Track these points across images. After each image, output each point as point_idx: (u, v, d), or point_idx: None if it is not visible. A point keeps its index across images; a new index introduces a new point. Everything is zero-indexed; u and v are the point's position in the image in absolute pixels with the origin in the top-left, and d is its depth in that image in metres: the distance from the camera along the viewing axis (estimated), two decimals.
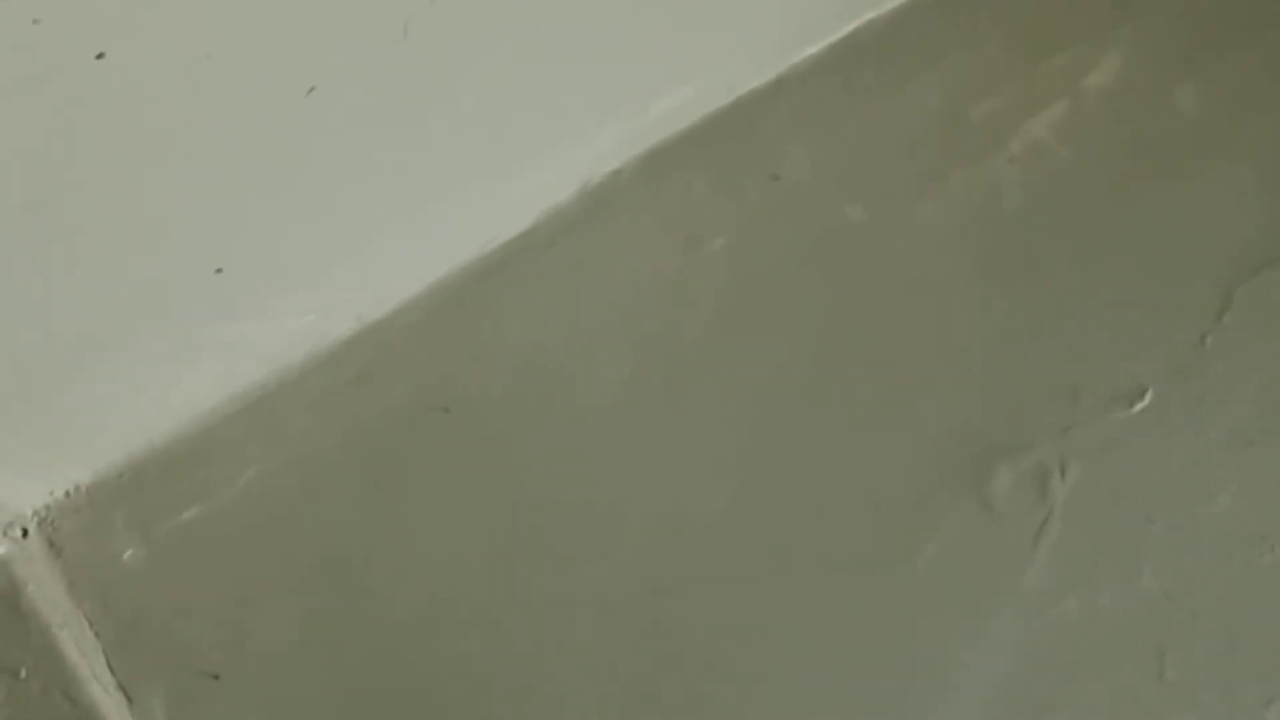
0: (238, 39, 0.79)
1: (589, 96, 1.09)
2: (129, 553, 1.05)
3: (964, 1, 1.20)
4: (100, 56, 0.72)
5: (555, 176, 1.15)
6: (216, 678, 1.03)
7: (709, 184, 1.17)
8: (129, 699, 1.02)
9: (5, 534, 1.03)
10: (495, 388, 1.11)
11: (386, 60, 0.88)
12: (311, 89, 0.85)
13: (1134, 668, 1.04)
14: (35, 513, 1.05)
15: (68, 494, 1.06)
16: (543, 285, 1.14)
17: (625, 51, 1.08)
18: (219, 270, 0.96)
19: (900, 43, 1.19)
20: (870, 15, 1.19)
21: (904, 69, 1.19)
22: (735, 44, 1.16)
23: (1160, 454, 1.08)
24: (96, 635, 1.03)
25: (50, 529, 1.05)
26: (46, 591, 1.02)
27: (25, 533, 1.04)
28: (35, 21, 0.68)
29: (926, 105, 1.18)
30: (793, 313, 1.14)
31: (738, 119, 1.18)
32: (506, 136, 1.06)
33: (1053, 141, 1.16)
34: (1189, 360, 1.10)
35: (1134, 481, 1.07)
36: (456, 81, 0.96)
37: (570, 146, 1.13)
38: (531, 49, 0.99)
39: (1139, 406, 1.09)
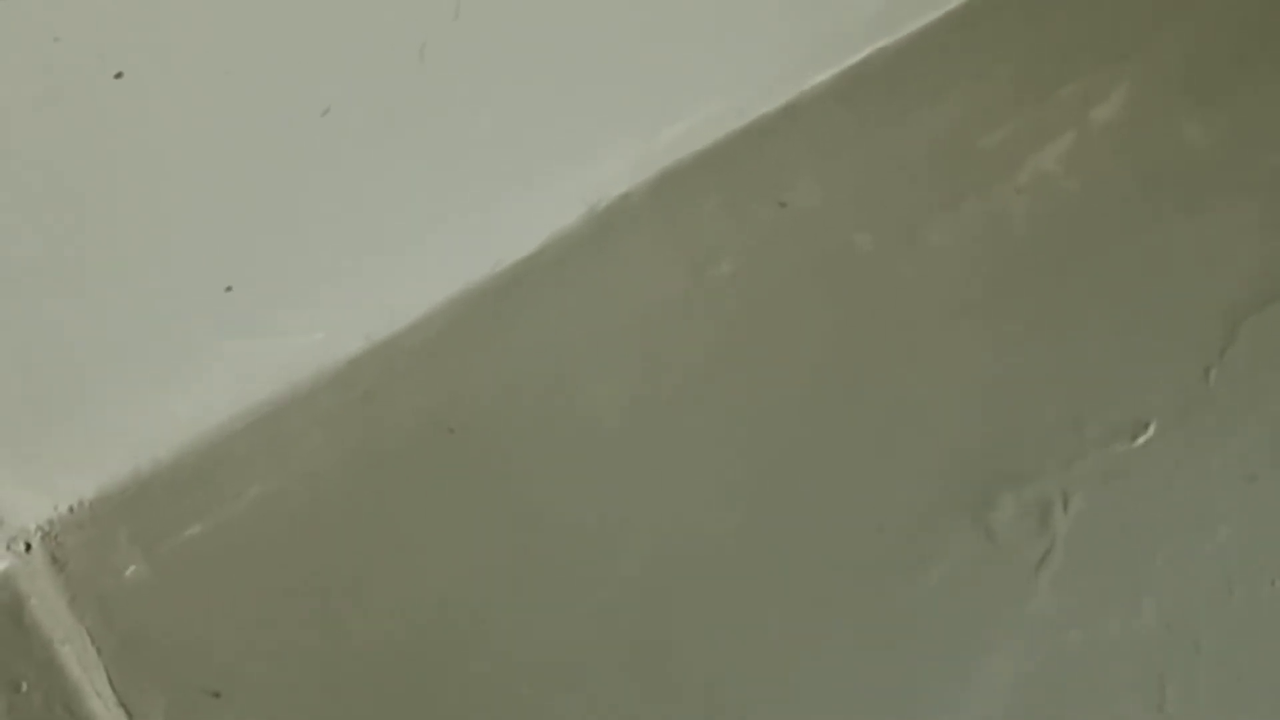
0: (255, 59, 0.79)
1: (599, 120, 1.10)
2: (132, 568, 1.05)
3: (973, 32, 1.20)
4: (119, 76, 0.73)
5: (563, 199, 1.15)
6: (217, 695, 1.03)
7: (717, 209, 1.17)
8: (129, 715, 1.01)
9: (8, 548, 1.03)
10: (501, 408, 1.11)
11: (402, 82, 0.89)
12: (327, 110, 0.86)
13: (1134, 699, 1.04)
14: (39, 527, 1.05)
15: (72, 509, 1.06)
16: (550, 307, 1.14)
17: (636, 76, 1.08)
18: (229, 288, 0.96)
19: (910, 72, 1.19)
20: (881, 44, 1.20)
21: (913, 98, 1.19)
22: (745, 70, 1.16)
23: (1163, 487, 1.08)
24: (98, 651, 1.02)
25: (53, 543, 1.04)
26: (49, 606, 1.02)
27: (28, 547, 1.03)
28: (56, 39, 0.68)
29: (935, 134, 1.18)
30: (798, 338, 1.14)
31: (747, 145, 1.18)
32: (516, 158, 1.06)
33: (1060, 173, 1.17)
34: (1193, 394, 1.10)
35: (1136, 514, 1.07)
36: (469, 104, 0.96)
37: (579, 169, 1.13)
38: (544, 72, 0.99)
39: (1142, 440, 1.09)
